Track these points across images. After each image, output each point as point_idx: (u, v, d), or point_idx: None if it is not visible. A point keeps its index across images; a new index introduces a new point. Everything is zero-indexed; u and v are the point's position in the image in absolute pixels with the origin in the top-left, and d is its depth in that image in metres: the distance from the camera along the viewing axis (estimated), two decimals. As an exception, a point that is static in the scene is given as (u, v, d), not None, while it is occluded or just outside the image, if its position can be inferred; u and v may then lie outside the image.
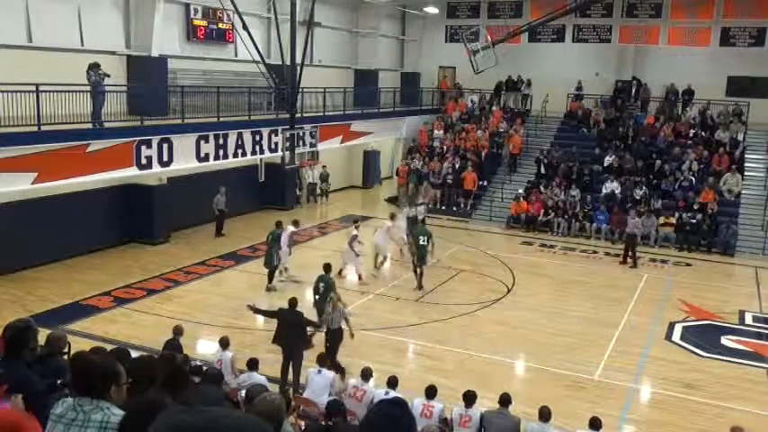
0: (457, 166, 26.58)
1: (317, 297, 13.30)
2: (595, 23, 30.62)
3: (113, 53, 19.22)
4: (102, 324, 13.95)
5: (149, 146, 17.52)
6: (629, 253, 20.10)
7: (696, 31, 28.95)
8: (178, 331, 10.70)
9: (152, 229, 19.97)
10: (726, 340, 14.60)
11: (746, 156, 25.35)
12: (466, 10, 32.95)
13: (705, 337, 14.70)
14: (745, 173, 24.62)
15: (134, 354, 4.94)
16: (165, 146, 17.97)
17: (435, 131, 29.49)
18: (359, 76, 30.97)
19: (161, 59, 19.95)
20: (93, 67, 16.19)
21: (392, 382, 9.36)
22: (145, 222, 19.91)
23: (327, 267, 13.90)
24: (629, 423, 10.95)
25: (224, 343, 10.64)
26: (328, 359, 10.82)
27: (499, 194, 25.91)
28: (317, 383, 9.72)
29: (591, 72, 30.49)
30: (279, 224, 17.13)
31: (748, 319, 16.12)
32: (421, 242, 16.89)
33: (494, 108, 30.45)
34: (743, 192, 23.84)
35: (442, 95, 32.50)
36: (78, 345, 6.76)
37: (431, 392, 9.08)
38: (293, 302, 11.63)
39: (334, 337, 11.74)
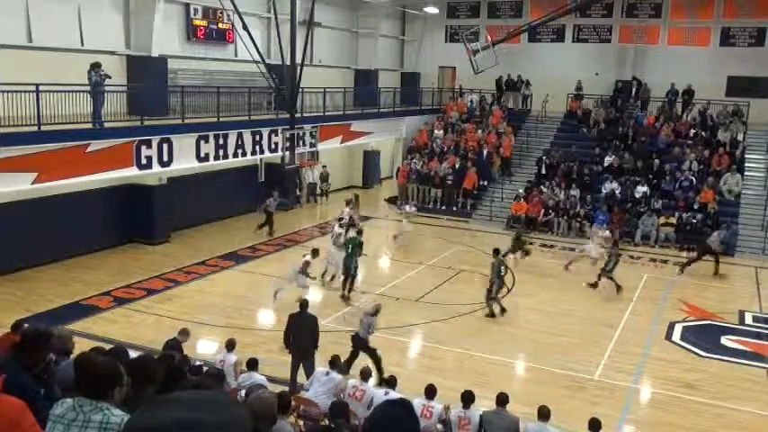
0: (457, 165, 26.57)
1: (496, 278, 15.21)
2: (595, 23, 30.63)
3: (113, 53, 19.23)
4: (102, 324, 13.95)
5: (149, 146, 17.52)
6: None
7: (696, 31, 28.96)
8: (184, 332, 10.60)
9: (152, 229, 19.96)
10: (726, 340, 14.60)
11: (746, 156, 25.35)
12: (466, 10, 32.95)
13: (705, 337, 14.70)
14: (745, 173, 24.63)
15: (133, 354, 4.93)
16: (165, 146, 17.98)
17: (435, 131, 29.50)
18: (359, 76, 30.98)
19: (161, 59, 19.96)
20: (95, 67, 16.19)
21: (391, 382, 9.34)
22: (145, 222, 19.91)
23: (497, 251, 15.90)
24: (628, 423, 10.95)
25: (230, 345, 10.61)
26: None
27: (499, 194, 25.92)
28: (324, 384, 9.65)
29: (591, 72, 30.49)
30: (360, 233, 16.96)
31: (748, 319, 16.12)
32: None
33: (494, 108, 30.44)
34: (743, 192, 23.85)
35: (455, 94, 32.36)
36: (79, 345, 6.77)
37: (430, 392, 9.07)
38: (304, 304, 11.60)
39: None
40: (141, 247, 19.64)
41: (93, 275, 16.99)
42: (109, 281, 16.58)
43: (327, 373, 9.75)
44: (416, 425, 2.36)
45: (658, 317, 15.71)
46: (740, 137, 25.81)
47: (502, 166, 27.26)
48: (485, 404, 9.39)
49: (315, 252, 15.71)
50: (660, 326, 15.13)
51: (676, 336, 14.71)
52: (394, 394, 8.75)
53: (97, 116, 16.19)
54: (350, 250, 16.11)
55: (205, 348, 12.86)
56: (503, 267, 15.53)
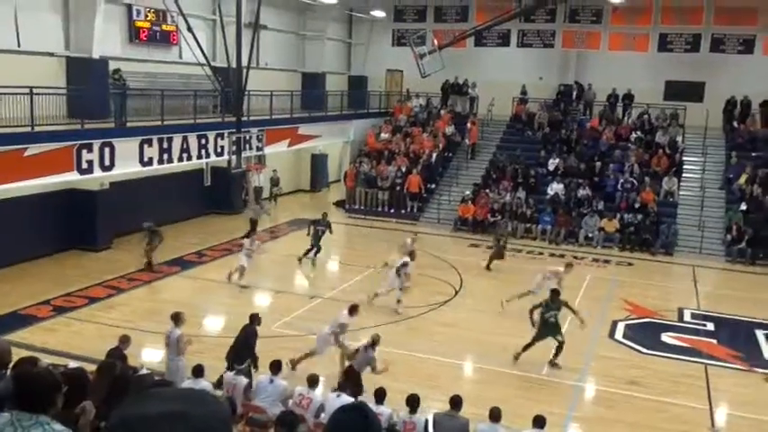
0: (404, 169, 26.67)
1: None
2: (539, 28, 31.16)
3: (52, 54, 18.68)
4: (41, 334, 13.51)
5: (90, 150, 17.04)
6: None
7: (635, 36, 29.75)
8: (124, 340, 10.37)
9: (94, 234, 19.44)
10: (666, 337, 15.04)
11: (684, 158, 26.18)
12: (412, 14, 33.11)
13: (646, 334, 15.12)
14: (683, 174, 25.43)
15: (72, 364, 4.78)
16: (107, 150, 17.52)
17: (382, 135, 29.59)
18: (306, 80, 30.85)
19: (102, 61, 19.46)
20: None
21: (380, 395, 9.06)
22: (87, 228, 19.36)
23: None
24: (575, 420, 11.16)
25: (176, 318, 10.74)
26: None
27: (446, 197, 26.13)
28: (269, 392, 9.51)
29: (535, 76, 31.03)
30: (557, 293, 13.41)
31: (687, 316, 16.64)
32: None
33: (441, 112, 30.68)
34: (681, 193, 24.64)
35: (402, 97, 32.45)
36: (16, 355, 6.52)
37: (380, 397, 8.98)
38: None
39: None
40: (83, 254, 19.10)
41: (32, 284, 16.41)
42: (48, 289, 16.05)
43: (271, 381, 9.60)
44: (373, 429, 2.26)
45: (602, 316, 16.05)
46: (679, 139, 26.65)
47: (470, 151, 28.23)
48: (436, 406, 9.44)
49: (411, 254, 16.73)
50: (604, 324, 15.48)
51: (619, 334, 15.08)
52: (346, 398, 8.68)
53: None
54: (553, 319, 13.09)
55: (149, 356, 12.57)
56: None
